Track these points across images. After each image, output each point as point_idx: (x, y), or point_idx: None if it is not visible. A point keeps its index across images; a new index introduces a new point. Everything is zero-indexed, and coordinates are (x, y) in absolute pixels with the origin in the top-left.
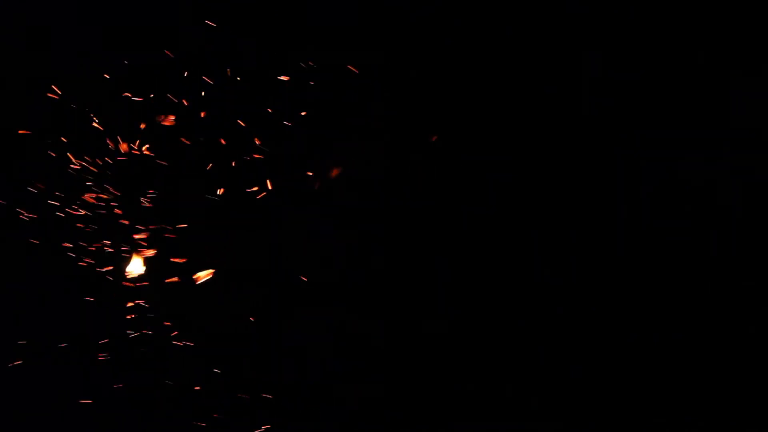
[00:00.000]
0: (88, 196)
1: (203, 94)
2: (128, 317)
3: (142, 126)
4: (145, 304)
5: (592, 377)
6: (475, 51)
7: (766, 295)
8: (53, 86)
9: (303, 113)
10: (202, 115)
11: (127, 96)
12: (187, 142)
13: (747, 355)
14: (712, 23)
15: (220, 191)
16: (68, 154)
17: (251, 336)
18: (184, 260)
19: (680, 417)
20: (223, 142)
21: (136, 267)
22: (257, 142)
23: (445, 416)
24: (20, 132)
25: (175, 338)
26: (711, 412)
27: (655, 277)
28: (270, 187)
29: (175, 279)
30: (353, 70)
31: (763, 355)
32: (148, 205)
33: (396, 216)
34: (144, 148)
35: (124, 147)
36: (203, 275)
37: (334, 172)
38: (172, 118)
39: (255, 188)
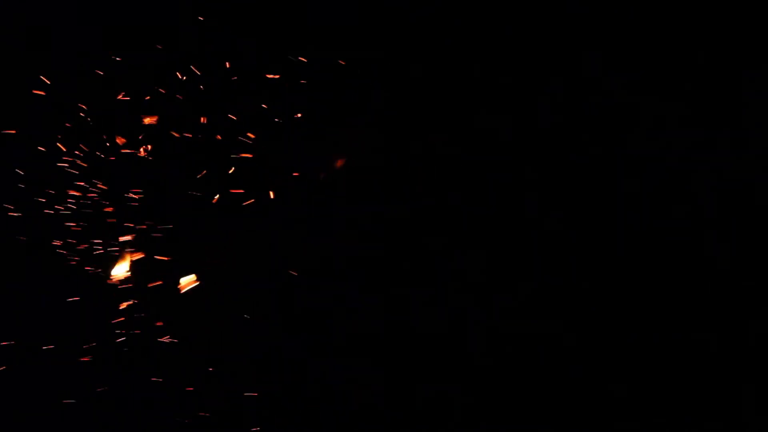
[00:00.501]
0: (87, 196)
1: (202, 93)
2: (123, 318)
3: (141, 125)
4: (141, 304)
5: (592, 377)
6: (475, 51)
7: (766, 295)
8: (52, 86)
9: (302, 113)
10: (203, 120)
11: (126, 96)
12: (185, 141)
13: (747, 354)
14: (713, 23)
15: (216, 195)
16: (66, 153)
17: (251, 336)
18: (182, 260)
19: (680, 417)
20: (220, 139)
21: (130, 267)
22: (256, 142)
23: (445, 417)
24: (20, 132)
25: (172, 338)
26: (711, 412)
27: (655, 277)
28: (269, 188)
29: (173, 279)
30: (353, 69)
31: (763, 355)
32: (139, 204)
33: (396, 216)
34: (141, 148)
35: (122, 147)
36: (186, 283)
37: (339, 163)
38: (156, 118)
39: (253, 188)
